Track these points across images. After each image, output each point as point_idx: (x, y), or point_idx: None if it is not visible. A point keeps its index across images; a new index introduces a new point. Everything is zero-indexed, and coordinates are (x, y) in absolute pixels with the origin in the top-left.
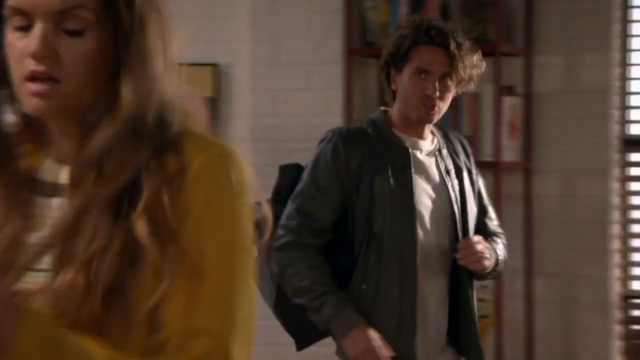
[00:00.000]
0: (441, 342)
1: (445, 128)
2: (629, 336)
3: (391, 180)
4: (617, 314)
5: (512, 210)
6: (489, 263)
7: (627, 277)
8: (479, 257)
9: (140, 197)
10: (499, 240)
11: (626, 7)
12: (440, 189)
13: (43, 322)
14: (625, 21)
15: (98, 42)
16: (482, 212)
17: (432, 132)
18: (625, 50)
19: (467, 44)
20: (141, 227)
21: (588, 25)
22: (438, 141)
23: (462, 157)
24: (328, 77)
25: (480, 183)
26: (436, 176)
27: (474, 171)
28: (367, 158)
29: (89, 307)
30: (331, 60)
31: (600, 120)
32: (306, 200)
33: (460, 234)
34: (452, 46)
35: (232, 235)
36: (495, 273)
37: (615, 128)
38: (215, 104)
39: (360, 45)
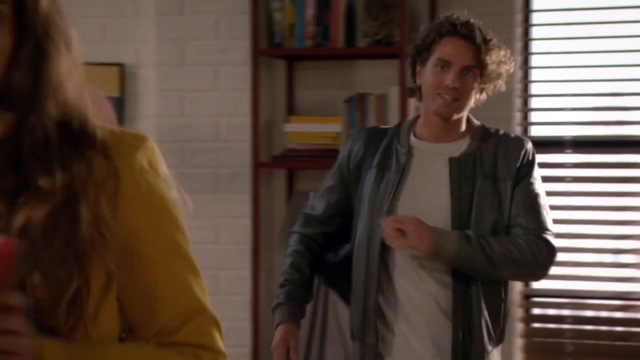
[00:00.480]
0: (428, 352)
1: (501, 132)
2: (530, 334)
3: (377, 180)
4: (519, 312)
5: None
6: (404, 243)
7: None
8: (393, 234)
9: (75, 201)
10: (501, 240)
11: (527, 10)
12: (442, 195)
13: (56, 344)
14: (527, 25)
15: (9, 38)
16: (512, 219)
17: (470, 135)
18: (526, 53)
19: (495, 40)
20: (86, 230)
21: (490, 28)
22: (470, 146)
23: (502, 164)
24: (235, 78)
25: (520, 191)
26: (442, 182)
27: (508, 180)
28: (368, 157)
29: (50, 315)
30: (238, 61)
31: (502, 122)
32: (316, 193)
33: None
34: (478, 39)
35: (178, 224)
36: (464, 265)
37: (518, 130)
38: (121, 104)
39: (267, 46)
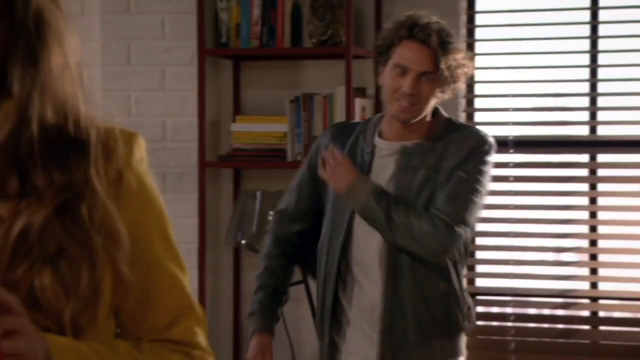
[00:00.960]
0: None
1: (465, 127)
2: (474, 332)
3: None
4: None
5: None
6: (325, 176)
7: (473, 275)
8: (320, 164)
9: (78, 200)
10: (411, 211)
11: (472, 12)
12: (390, 187)
13: (67, 343)
14: (471, 26)
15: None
16: (434, 199)
17: (433, 131)
18: (471, 54)
19: (453, 43)
20: (96, 229)
21: None
22: (425, 142)
23: (449, 157)
24: (181, 78)
25: (453, 177)
26: (389, 177)
27: (444, 171)
28: None
29: (58, 316)
30: (185, 61)
31: None
32: (289, 188)
33: None
34: (434, 44)
35: (168, 220)
36: (367, 219)
37: None
38: None
39: (213, 46)
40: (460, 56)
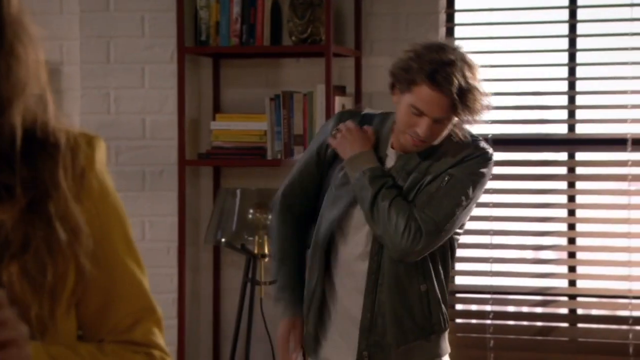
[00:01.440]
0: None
1: (469, 140)
2: (454, 330)
3: (346, 177)
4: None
5: None
6: (334, 143)
7: (452, 273)
8: (334, 133)
9: (44, 199)
10: (398, 203)
11: (451, 10)
12: None
13: (37, 345)
14: (451, 24)
15: None
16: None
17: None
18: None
19: (474, 90)
20: (59, 227)
21: (414, 28)
22: (425, 149)
23: (441, 162)
24: (161, 76)
25: (437, 179)
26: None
27: (429, 175)
28: None
29: (24, 311)
30: (164, 59)
31: None
32: (299, 161)
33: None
34: (455, 93)
35: (128, 222)
36: (357, 195)
37: None
38: None
39: (193, 44)
40: (478, 104)
